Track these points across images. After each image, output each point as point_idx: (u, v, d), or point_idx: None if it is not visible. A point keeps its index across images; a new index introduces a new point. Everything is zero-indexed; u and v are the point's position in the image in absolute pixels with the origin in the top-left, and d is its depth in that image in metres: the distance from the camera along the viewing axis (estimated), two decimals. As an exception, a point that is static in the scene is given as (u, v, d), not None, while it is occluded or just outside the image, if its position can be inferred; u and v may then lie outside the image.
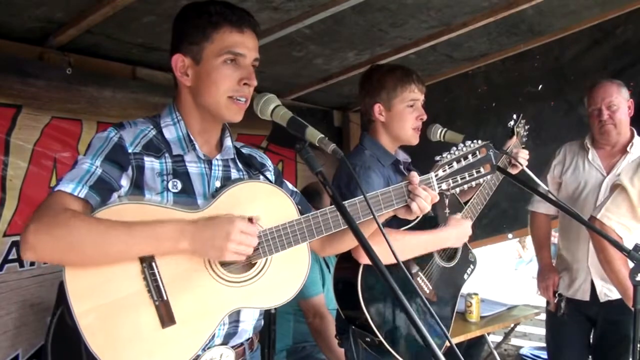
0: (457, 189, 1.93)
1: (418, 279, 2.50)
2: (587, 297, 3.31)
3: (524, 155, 2.78)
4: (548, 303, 3.57)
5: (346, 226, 1.77)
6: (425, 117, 2.57)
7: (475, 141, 1.93)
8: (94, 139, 1.70)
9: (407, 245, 2.35)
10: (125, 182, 1.65)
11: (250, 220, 1.67)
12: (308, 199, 3.39)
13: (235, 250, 1.61)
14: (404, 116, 2.53)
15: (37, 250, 1.52)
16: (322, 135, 1.64)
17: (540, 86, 4.40)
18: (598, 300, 3.26)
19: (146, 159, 1.69)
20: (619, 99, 3.24)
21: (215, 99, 1.74)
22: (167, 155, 1.74)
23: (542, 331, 6.47)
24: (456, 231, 2.51)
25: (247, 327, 1.86)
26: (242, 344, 1.86)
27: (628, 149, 3.28)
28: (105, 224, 1.54)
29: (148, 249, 1.58)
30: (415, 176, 1.85)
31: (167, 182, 1.70)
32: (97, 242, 1.53)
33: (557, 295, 3.44)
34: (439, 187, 1.90)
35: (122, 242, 1.55)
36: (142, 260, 1.60)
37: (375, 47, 3.71)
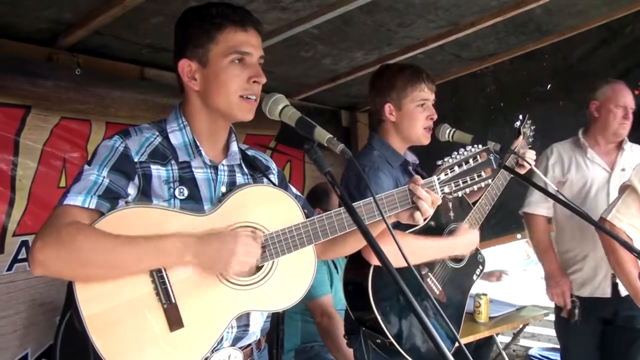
0: (460, 193, 1.95)
1: (428, 280, 2.49)
2: (608, 294, 3.25)
3: (531, 156, 2.78)
4: (559, 308, 3.49)
5: (351, 229, 1.78)
6: (435, 117, 2.56)
7: (475, 146, 1.95)
8: (99, 147, 1.70)
9: (415, 250, 2.35)
10: (132, 191, 1.66)
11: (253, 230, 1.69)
12: (316, 199, 3.44)
13: (239, 265, 1.63)
14: (415, 116, 2.53)
15: (46, 267, 1.53)
16: (331, 136, 1.64)
17: (549, 86, 4.38)
18: (619, 295, 3.21)
19: (152, 167, 1.70)
20: None
21: (226, 100, 1.74)
22: (173, 162, 1.74)
23: (551, 332, 6.49)
24: (464, 239, 2.51)
25: (256, 329, 1.87)
26: (249, 344, 1.86)
27: (624, 145, 3.40)
28: (110, 240, 1.54)
29: (155, 264, 1.60)
30: (418, 179, 1.86)
31: (174, 189, 1.71)
32: (103, 260, 1.54)
33: (572, 300, 3.36)
34: (441, 191, 1.91)
35: (129, 259, 1.56)
36: None
37: (383, 47, 3.71)
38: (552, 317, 5.82)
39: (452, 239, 2.50)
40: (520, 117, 2.93)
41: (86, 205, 1.57)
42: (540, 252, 3.61)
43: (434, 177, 1.90)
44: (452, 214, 2.55)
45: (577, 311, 3.33)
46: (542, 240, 3.58)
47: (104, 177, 1.62)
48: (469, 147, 1.95)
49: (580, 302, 3.35)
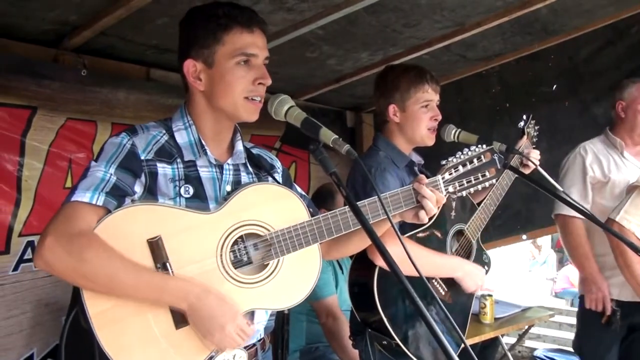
0: (464, 192, 1.95)
1: (434, 281, 2.49)
2: None
3: (535, 156, 2.77)
4: (591, 313, 3.27)
5: (356, 228, 1.79)
6: (440, 118, 2.56)
7: (480, 146, 1.95)
8: (106, 144, 1.71)
9: (417, 258, 2.33)
10: (138, 189, 1.67)
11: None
12: (322, 200, 3.44)
13: (221, 344, 1.64)
14: (419, 117, 2.53)
15: (51, 267, 1.55)
16: (336, 136, 1.64)
17: (555, 86, 4.37)
18: None
19: (159, 165, 1.71)
20: None
21: (232, 101, 1.74)
22: (178, 160, 1.75)
23: (556, 333, 6.50)
24: (469, 267, 2.51)
25: (259, 327, 1.88)
26: (254, 344, 1.87)
27: None
28: (116, 263, 1.56)
29: (150, 298, 1.61)
30: (423, 178, 1.86)
31: (180, 187, 1.72)
32: (105, 281, 1.56)
33: (613, 307, 3.19)
34: (445, 190, 1.91)
35: (129, 287, 1.58)
36: (157, 261, 1.61)
37: (388, 48, 3.70)
38: (557, 318, 5.85)
39: (458, 260, 2.50)
40: (524, 117, 2.93)
41: (94, 202, 1.58)
42: (579, 257, 3.32)
43: (439, 176, 1.91)
44: (453, 213, 2.54)
45: (618, 316, 3.18)
46: (581, 244, 3.30)
47: (111, 174, 1.63)
48: (473, 147, 1.95)
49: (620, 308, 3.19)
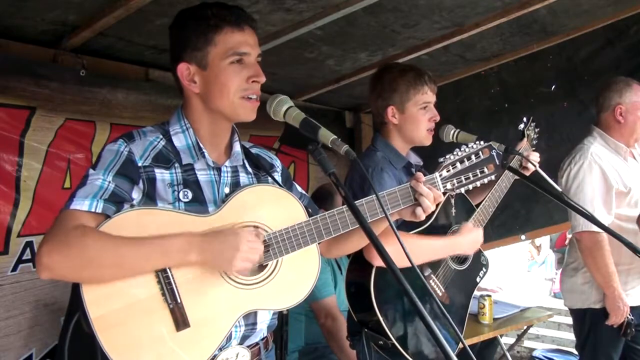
0: (462, 189, 1.94)
1: (431, 281, 2.49)
2: None
3: (534, 158, 2.77)
4: (597, 314, 3.20)
5: (354, 227, 1.79)
6: (438, 119, 2.56)
7: (477, 142, 1.93)
8: (104, 151, 1.71)
9: (418, 249, 2.34)
10: (136, 195, 1.68)
11: (255, 227, 1.71)
12: (320, 200, 3.44)
13: (244, 260, 1.64)
14: (418, 119, 2.53)
15: (53, 270, 1.54)
16: (335, 137, 1.65)
17: (554, 87, 4.37)
18: None
19: (156, 170, 1.71)
20: None
21: (228, 101, 1.75)
22: (176, 165, 1.76)
23: (555, 333, 6.50)
24: (468, 238, 2.51)
25: (263, 326, 1.88)
26: (257, 343, 1.88)
27: (632, 151, 3.32)
28: (116, 241, 1.57)
29: (160, 263, 1.62)
30: (420, 176, 1.86)
31: (178, 192, 1.72)
32: (110, 260, 1.56)
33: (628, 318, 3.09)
34: (443, 187, 1.90)
35: (135, 259, 1.58)
36: None
37: (387, 48, 3.70)
38: (556, 318, 5.85)
39: (455, 238, 2.50)
40: (525, 119, 2.92)
41: (93, 209, 1.59)
42: (609, 275, 3.06)
43: (436, 174, 1.90)
44: (454, 211, 2.54)
45: (633, 326, 3.10)
46: (610, 259, 3.05)
47: (109, 182, 1.64)
48: (471, 144, 1.93)
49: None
